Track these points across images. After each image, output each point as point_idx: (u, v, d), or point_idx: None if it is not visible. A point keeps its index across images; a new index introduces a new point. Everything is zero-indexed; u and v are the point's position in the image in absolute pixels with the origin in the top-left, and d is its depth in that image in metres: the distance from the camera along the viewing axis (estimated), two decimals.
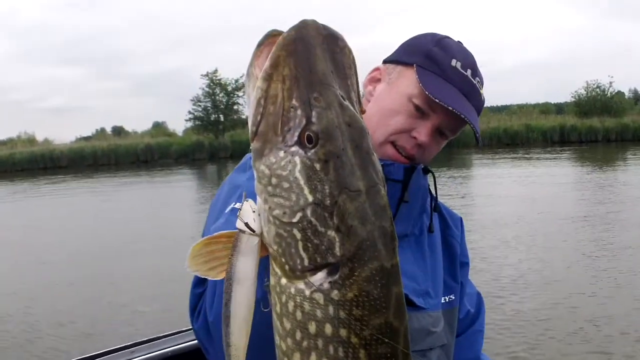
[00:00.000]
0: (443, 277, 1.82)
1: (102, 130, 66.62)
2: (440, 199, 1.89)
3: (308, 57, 1.06)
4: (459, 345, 1.89)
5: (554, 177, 23.30)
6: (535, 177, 23.52)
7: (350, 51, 1.12)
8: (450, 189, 20.34)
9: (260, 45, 1.13)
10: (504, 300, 8.34)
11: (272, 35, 1.12)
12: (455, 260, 1.89)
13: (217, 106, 51.52)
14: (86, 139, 57.32)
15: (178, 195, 24.38)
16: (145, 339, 2.88)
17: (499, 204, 17.35)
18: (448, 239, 1.90)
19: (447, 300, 1.81)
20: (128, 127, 69.12)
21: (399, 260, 1.63)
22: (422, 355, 1.67)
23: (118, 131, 64.10)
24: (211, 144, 48.26)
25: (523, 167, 28.18)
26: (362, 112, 1.14)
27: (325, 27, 1.09)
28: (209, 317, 1.44)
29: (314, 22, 1.08)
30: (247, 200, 1.12)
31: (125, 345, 2.81)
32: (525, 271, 9.92)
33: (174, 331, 2.90)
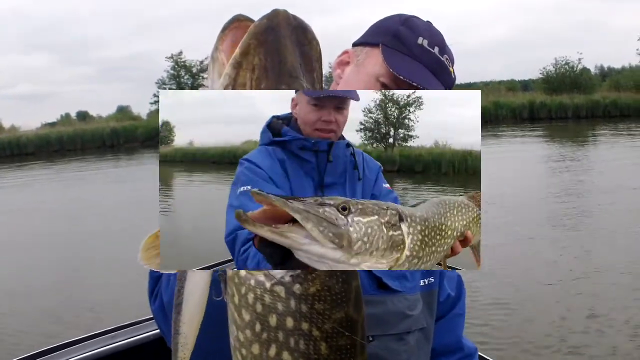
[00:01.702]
0: None
1: (67, 115, 65.44)
2: None
3: (278, 48, 1.05)
4: (440, 329, 1.88)
5: (527, 154, 23.53)
6: (507, 155, 23.73)
7: (317, 43, 1.12)
8: None
9: (225, 29, 1.11)
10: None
11: (237, 19, 1.11)
12: None
13: (182, 88, 51.20)
14: (51, 124, 56.17)
15: (146, 179, 24.11)
16: (115, 326, 2.87)
17: None
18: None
19: (426, 282, 1.80)
20: (92, 112, 67.92)
21: None
22: (398, 338, 1.67)
23: (83, 116, 63.05)
24: None
25: (494, 145, 28.35)
26: None
27: (295, 18, 1.08)
28: (164, 297, 1.46)
29: (285, 12, 1.07)
30: None
31: (106, 330, 2.81)
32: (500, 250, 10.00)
33: (140, 319, 2.89)
